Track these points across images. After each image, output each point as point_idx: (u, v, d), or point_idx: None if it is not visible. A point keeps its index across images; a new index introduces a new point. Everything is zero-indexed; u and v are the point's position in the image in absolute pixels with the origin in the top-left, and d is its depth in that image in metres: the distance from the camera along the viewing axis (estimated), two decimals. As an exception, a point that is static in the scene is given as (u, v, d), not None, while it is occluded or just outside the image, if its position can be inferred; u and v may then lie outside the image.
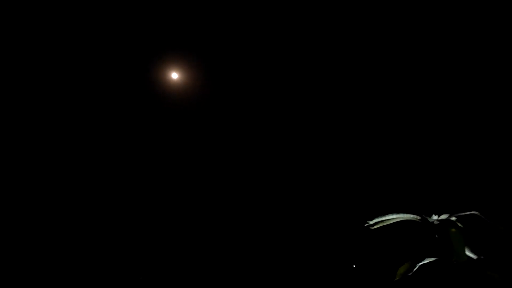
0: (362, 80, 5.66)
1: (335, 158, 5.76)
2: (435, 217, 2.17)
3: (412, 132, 5.36)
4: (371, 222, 2.23)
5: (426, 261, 1.99)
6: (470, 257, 1.83)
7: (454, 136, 5.03)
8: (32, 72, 5.79)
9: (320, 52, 5.69)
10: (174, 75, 5.95)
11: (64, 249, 5.73)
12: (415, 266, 1.99)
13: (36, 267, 5.54)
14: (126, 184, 6.14)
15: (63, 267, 5.65)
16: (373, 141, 5.57)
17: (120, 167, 6.18)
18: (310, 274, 5.24)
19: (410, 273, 2.02)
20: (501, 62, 4.83)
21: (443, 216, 2.04)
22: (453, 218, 2.08)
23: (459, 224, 2.05)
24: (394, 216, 2.22)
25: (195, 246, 5.86)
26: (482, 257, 1.78)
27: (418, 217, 2.10)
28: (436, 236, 2.08)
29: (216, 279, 5.57)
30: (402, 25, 5.17)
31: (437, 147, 5.13)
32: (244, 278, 5.47)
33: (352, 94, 5.74)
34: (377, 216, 2.29)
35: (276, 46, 5.78)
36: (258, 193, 5.99)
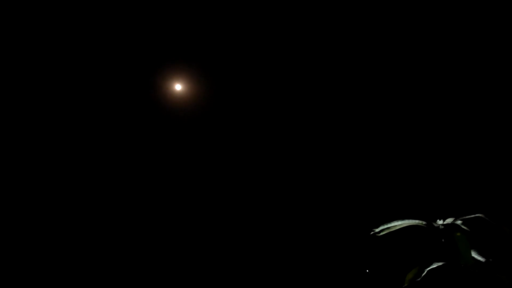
0: (365, 83, 5.70)
1: (338, 165, 5.78)
2: (440, 222, 2.18)
3: (413, 137, 5.38)
4: (377, 230, 2.24)
5: (434, 265, 2.00)
6: (478, 260, 1.83)
7: (456, 139, 5.05)
8: (36, 86, 5.88)
9: (321, 59, 5.75)
10: (178, 87, 6.03)
11: (61, 251, 5.77)
12: (424, 271, 2.00)
13: (35, 267, 5.58)
14: (128, 192, 6.19)
15: (61, 267, 5.68)
16: (375, 147, 5.59)
17: (124, 175, 6.23)
18: (317, 282, 5.22)
19: (419, 279, 2.02)
20: (503, 63, 4.87)
21: (449, 220, 2.05)
22: (458, 222, 2.09)
23: (464, 228, 2.06)
24: (399, 222, 2.23)
25: (194, 253, 5.88)
26: (490, 259, 1.79)
27: (424, 222, 2.11)
28: (443, 240, 2.09)
29: (217, 280, 5.57)
30: (399, 24, 5.21)
31: (439, 150, 5.14)
32: (248, 281, 5.47)
33: (355, 99, 5.78)
34: (382, 223, 2.30)
35: (279, 57, 5.86)
36: (262, 202, 6.00)
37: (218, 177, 6.13)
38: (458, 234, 2.07)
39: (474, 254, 1.87)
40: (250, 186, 5.99)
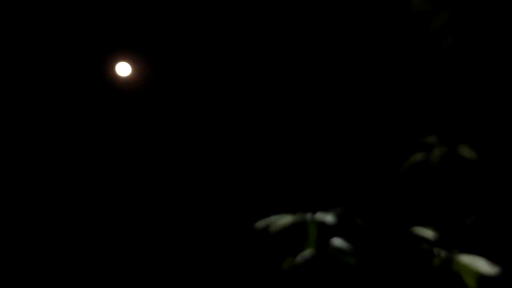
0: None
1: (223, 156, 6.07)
2: (309, 215, 2.60)
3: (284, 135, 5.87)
4: (259, 225, 2.56)
5: (306, 253, 2.40)
6: (343, 246, 2.27)
7: (323, 140, 5.65)
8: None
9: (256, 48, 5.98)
10: (121, 71, 5.84)
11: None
12: (298, 259, 2.37)
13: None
14: (75, 183, 5.90)
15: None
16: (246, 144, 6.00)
17: (70, 164, 5.95)
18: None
19: (294, 265, 2.40)
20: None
21: (317, 213, 2.47)
22: (323, 215, 2.54)
23: (327, 220, 2.51)
24: (275, 217, 2.58)
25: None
26: (351, 247, 2.23)
27: (298, 216, 2.50)
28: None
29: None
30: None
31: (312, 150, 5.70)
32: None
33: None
34: (260, 219, 2.63)
35: (220, 44, 5.97)
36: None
37: (162, 164, 6.05)
38: (312, 225, 2.51)
39: (338, 241, 2.31)
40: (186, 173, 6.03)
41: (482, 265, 2.41)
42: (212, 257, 5.50)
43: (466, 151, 2.30)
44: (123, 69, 5.93)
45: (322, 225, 2.37)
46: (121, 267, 5.66)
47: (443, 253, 2.50)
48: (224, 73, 6.16)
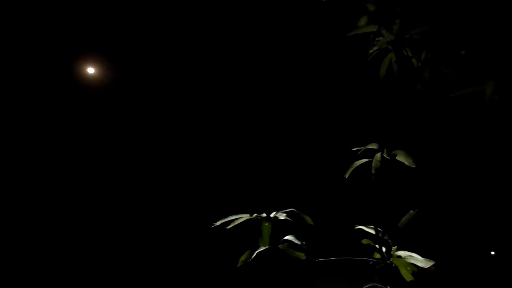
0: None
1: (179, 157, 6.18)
2: (264, 215, 2.79)
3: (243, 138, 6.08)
4: (217, 224, 2.73)
5: (261, 249, 2.59)
6: (295, 243, 2.47)
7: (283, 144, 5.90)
8: None
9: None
10: (91, 70, 5.91)
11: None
12: (253, 254, 2.56)
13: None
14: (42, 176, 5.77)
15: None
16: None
17: (36, 161, 5.71)
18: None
19: (250, 260, 2.58)
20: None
21: (272, 214, 2.67)
22: (278, 214, 2.74)
23: (281, 218, 2.71)
24: (234, 217, 2.76)
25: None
26: (304, 242, 2.44)
27: (253, 215, 2.69)
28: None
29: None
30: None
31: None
32: None
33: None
34: (220, 218, 2.79)
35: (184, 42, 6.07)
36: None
37: (126, 155, 6.04)
38: (266, 224, 2.71)
39: (291, 238, 2.51)
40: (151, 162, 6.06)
41: (417, 260, 2.71)
42: (172, 254, 5.59)
43: (403, 157, 2.57)
44: (90, 69, 6.18)
45: (276, 223, 2.57)
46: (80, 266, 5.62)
47: (383, 249, 2.78)
48: (177, 75, 6.32)
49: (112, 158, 6.23)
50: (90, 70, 6.23)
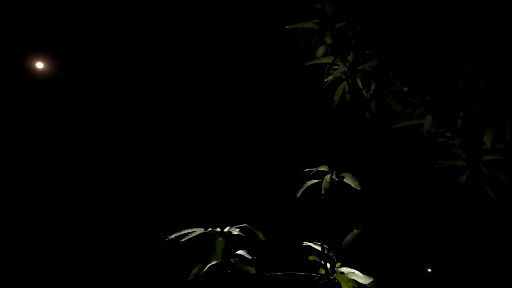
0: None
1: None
2: (218, 229, 2.90)
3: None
4: (171, 237, 2.80)
5: (213, 262, 2.69)
6: (246, 257, 2.59)
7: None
8: None
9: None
10: (40, 65, 5.86)
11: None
12: (205, 267, 2.66)
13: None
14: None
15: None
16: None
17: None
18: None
19: (201, 273, 2.68)
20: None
21: (226, 228, 2.78)
22: (232, 229, 2.86)
23: (235, 233, 2.83)
24: (189, 230, 2.84)
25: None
26: (255, 257, 2.57)
27: (208, 230, 2.79)
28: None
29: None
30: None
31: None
32: None
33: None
34: (174, 232, 2.87)
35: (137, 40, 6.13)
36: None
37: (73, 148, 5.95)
38: (220, 238, 2.82)
39: (242, 253, 2.63)
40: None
41: (358, 276, 2.90)
42: (124, 265, 5.54)
43: (350, 180, 2.78)
44: (40, 64, 6.16)
45: (229, 238, 2.68)
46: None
47: (328, 265, 2.95)
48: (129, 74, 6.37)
49: (55, 154, 6.22)
50: (39, 65, 6.23)
